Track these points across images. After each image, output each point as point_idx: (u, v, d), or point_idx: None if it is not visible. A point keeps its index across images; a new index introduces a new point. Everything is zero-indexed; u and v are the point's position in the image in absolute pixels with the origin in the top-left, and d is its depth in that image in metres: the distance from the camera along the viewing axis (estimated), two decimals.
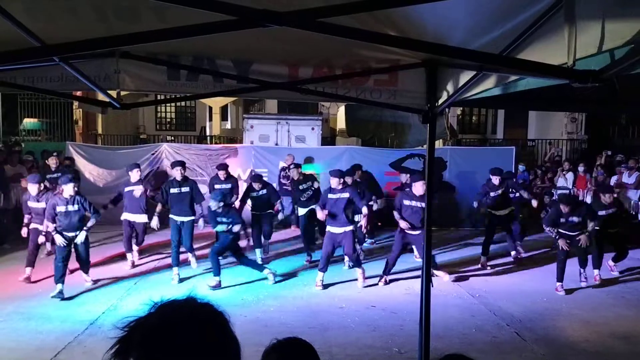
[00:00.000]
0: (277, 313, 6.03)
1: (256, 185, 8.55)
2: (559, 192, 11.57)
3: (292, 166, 9.69)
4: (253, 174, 9.43)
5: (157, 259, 8.41)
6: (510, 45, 2.10)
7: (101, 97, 3.21)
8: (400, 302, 6.43)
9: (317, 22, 1.51)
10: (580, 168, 11.64)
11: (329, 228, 7.18)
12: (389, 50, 2.96)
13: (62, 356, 4.75)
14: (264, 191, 8.58)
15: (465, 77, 2.80)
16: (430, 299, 3.48)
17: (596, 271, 7.37)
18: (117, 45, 2.14)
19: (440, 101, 3.22)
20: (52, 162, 8.75)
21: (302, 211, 8.75)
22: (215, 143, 17.80)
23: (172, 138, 19.29)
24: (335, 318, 5.90)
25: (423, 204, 6.35)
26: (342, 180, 7.17)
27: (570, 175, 11.67)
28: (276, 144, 13.14)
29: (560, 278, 7.02)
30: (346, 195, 7.08)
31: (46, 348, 4.86)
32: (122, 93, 3.36)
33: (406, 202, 7.08)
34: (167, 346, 0.83)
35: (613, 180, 10.59)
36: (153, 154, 11.41)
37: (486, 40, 2.24)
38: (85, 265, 6.91)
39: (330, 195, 7.15)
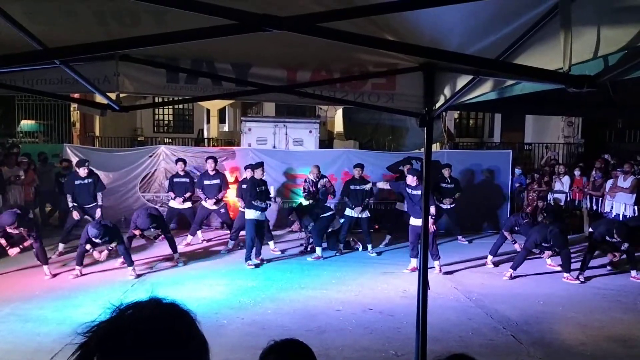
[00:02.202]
0: (274, 315, 6.03)
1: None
2: (555, 196, 11.63)
3: (320, 178, 9.96)
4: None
5: (155, 261, 8.41)
6: (506, 51, 2.12)
7: (100, 99, 3.22)
8: (397, 305, 6.44)
9: (317, 26, 1.52)
10: (577, 172, 11.69)
11: (411, 221, 8.16)
12: (387, 54, 2.99)
13: (59, 358, 4.74)
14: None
15: (462, 81, 2.82)
16: (427, 301, 3.50)
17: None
18: (117, 49, 2.15)
19: (437, 105, 3.24)
20: (82, 172, 8.85)
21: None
22: (213, 145, 17.82)
23: (170, 140, 19.31)
24: (332, 320, 5.90)
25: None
26: (416, 178, 8.12)
27: (566, 179, 11.71)
28: (274, 147, 13.14)
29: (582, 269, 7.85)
30: (418, 192, 7.98)
31: (43, 350, 4.85)
32: (121, 95, 3.38)
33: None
34: (123, 348, 0.82)
35: (608, 184, 10.63)
36: (150, 156, 11.40)
37: (483, 46, 2.26)
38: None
39: (413, 192, 8.15)
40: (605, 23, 1.59)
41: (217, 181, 9.56)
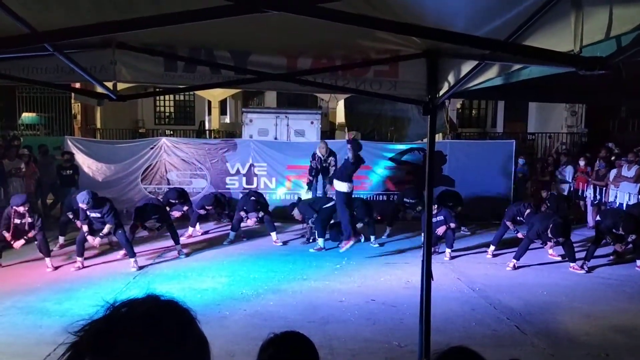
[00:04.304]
0: (276, 307, 6.01)
1: None
2: (558, 186, 11.56)
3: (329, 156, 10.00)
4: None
5: (157, 253, 8.39)
6: (514, 33, 2.04)
7: (97, 88, 3.17)
8: (399, 296, 6.41)
9: (317, 7, 1.46)
10: (582, 162, 11.60)
11: None
12: (389, 41, 2.92)
13: (61, 350, 4.70)
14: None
15: (466, 67, 2.75)
16: (430, 292, 3.46)
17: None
18: (108, 32, 2.09)
19: (441, 92, 3.17)
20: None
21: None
22: (215, 137, 17.75)
23: (171, 132, 19.23)
24: (335, 312, 5.87)
25: None
26: (436, 205, 8.20)
27: (569, 169, 11.63)
28: (275, 138, 13.08)
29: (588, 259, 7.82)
30: (441, 218, 8.26)
31: (45, 342, 4.83)
32: (120, 86, 3.32)
33: None
34: (117, 348, 0.79)
35: (612, 173, 10.54)
36: (152, 148, 11.36)
37: (489, 29, 2.19)
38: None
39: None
40: (618, 2, 1.52)
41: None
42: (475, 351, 1.52)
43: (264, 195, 9.90)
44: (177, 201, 9.39)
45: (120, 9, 2.38)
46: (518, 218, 8.69)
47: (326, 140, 10.18)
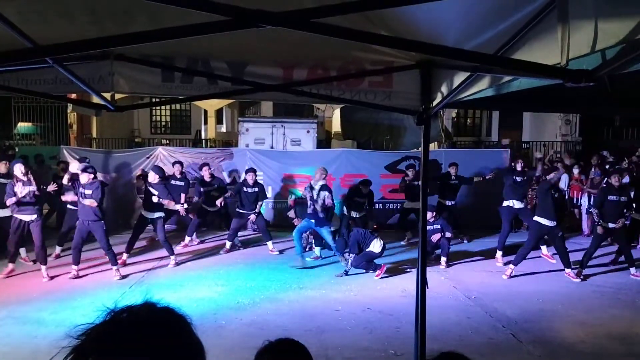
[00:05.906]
0: (273, 316, 6.01)
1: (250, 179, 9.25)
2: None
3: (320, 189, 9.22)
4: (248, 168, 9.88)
5: (153, 262, 8.37)
6: (503, 46, 2.10)
7: (95, 99, 3.20)
8: (396, 304, 6.42)
9: (311, 22, 1.50)
10: (575, 170, 11.68)
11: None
12: (383, 52, 2.97)
13: (59, 357, 4.72)
14: (255, 189, 9.23)
15: (459, 78, 2.80)
16: (426, 300, 3.48)
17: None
18: (109, 46, 2.13)
19: (434, 102, 3.22)
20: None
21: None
22: (211, 146, 17.77)
23: (167, 141, 19.25)
24: (332, 320, 5.88)
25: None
26: (434, 213, 8.42)
27: (564, 177, 11.69)
28: (271, 147, 13.11)
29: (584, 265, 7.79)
30: (438, 226, 8.39)
31: (41, 352, 4.82)
32: (118, 96, 3.36)
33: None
34: (119, 351, 0.82)
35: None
36: (148, 158, 11.37)
37: (480, 42, 2.24)
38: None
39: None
40: (603, 16, 1.57)
41: (255, 190, 9.33)
42: (466, 356, 1.55)
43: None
44: (179, 177, 9.50)
45: (118, 23, 2.42)
46: (516, 178, 8.85)
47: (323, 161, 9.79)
